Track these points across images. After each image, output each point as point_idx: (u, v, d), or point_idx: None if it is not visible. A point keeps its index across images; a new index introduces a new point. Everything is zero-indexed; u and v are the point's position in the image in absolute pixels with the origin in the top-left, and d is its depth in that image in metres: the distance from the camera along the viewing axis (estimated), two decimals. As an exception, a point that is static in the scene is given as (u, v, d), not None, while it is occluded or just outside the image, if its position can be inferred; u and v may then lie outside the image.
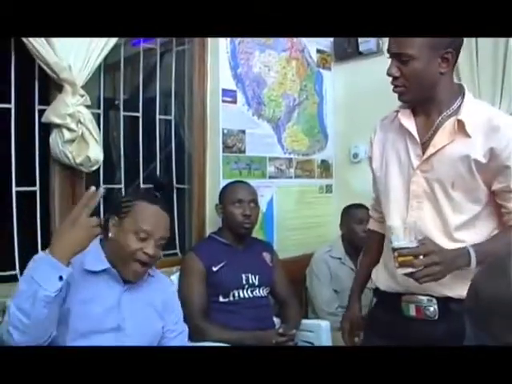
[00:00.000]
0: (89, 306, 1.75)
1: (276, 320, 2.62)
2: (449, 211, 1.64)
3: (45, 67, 2.13)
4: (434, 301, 1.66)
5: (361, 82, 3.47)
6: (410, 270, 1.55)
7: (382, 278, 1.82)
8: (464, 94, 1.67)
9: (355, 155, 3.50)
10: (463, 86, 1.71)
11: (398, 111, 1.76)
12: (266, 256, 2.71)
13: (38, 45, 2.05)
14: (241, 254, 2.61)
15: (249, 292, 2.53)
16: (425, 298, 1.67)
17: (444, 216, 1.64)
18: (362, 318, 1.97)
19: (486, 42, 2.76)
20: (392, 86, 1.70)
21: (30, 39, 2.03)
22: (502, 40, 2.72)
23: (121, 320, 1.80)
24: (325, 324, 2.70)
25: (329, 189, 3.65)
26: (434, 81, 1.63)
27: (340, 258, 3.05)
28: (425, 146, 1.67)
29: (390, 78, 1.69)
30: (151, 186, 2.70)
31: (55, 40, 2.08)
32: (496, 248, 1.58)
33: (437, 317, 1.66)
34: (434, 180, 1.64)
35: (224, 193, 2.68)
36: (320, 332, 2.66)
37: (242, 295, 2.51)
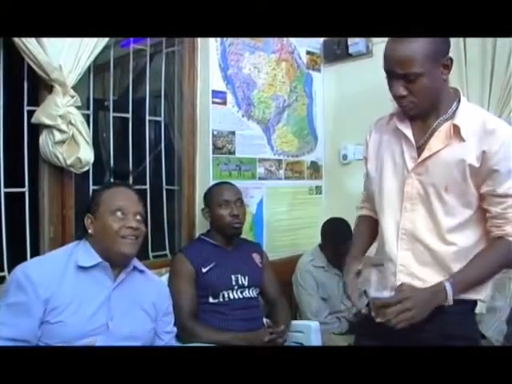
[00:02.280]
0: (80, 304, 1.76)
1: (266, 321, 2.63)
2: (441, 214, 1.65)
3: (35, 67, 2.12)
4: None
5: (350, 84, 3.49)
6: (386, 318, 1.57)
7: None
8: (460, 99, 1.69)
9: (344, 156, 3.51)
10: (459, 90, 1.72)
11: (393, 114, 1.76)
12: (256, 257, 2.71)
13: (30, 45, 2.04)
14: (230, 255, 2.61)
15: (238, 293, 2.53)
16: None
17: (437, 218, 1.66)
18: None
19: (474, 42, 2.78)
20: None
21: (22, 39, 2.02)
22: (490, 40, 2.74)
23: (109, 319, 1.80)
24: (314, 325, 2.71)
25: (318, 190, 3.66)
26: (439, 90, 1.64)
27: (323, 267, 3.06)
28: (420, 149, 1.68)
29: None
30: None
31: (45, 40, 2.07)
32: (474, 277, 1.63)
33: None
34: (428, 183, 1.66)
35: (209, 196, 2.67)
36: (310, 333, 2.66)
37: (231, 296, 2.51)
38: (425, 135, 1.68)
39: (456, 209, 1.64)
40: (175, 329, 2.13)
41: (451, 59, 1.61)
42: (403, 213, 1.70)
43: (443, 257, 1.66)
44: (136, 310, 1.91)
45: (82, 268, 1.81)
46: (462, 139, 1.60)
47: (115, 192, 1.91)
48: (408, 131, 1.70)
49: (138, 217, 1.90)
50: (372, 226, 1.94)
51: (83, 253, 1.85)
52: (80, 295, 1.77)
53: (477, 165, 1.59)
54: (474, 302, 1.71)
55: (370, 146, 1.87)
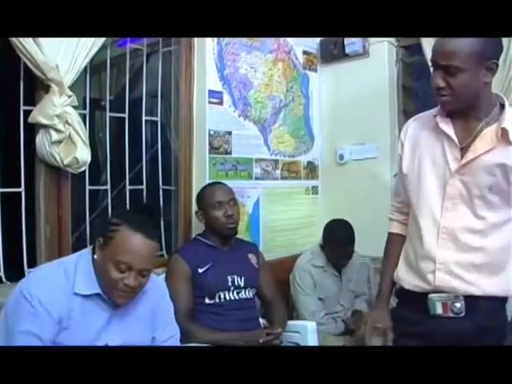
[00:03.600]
0: (77, 329, 1.72)
1: (262, 321, 2.63)
2: (484, 211, 1.68)
3: (32, 67, 2.11)
4: (461, 297, 1.70)
5: (347, 84, 3.49)
6: None
7: (407, 277, 1.84)
8: (501, 103, 1.71)
9: (341, 157, 3.51)
10: (500, 95, 1.76)
11: (435, 115, 1.77)
12: (252, 257, 2.70)
13: (27, 44, 2.03)
14: (226, 255, 2.60)
15: (234, 294, 2.53)
16: (451, 295, 1.71)
17: (479, 217, 1.69)
18: (388, 318, 1.93)
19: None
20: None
21: (20, 38, 2.01)
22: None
23: (110, 340, 1.76)
24: (311, 325, 2.71)
25: (315, 190, 3.66)
26: (478, 91, 1.65)
27: (322, 267, 3.05)
28: (464, 150, 1.70)
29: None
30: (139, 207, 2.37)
31: (42, 40, 2.06)
32: None
33: (463, 313, 1.70)
34: (472, 184, 1.68)
35: (202, 197, 2.66)
36: (306, 333, 2.66)
37: (227, 297, 2.51)
38: (468, 137, 1.70)
39: (499, 206, 1.69)
40: (177, 330, 2.05)
41: (497, 64, 1.63)
42: (444, 212, 1.73)
43: (483, 255, 1.70)
44: (136, 326, 1.86)
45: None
46: (509, 143, 1.63)
47: (130, 239, 1.72)
48: (451, 132, 1.72)
49: (145, 272, 1.76)
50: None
51: (84, 278, 1.75)
52: (81, 318, 1.73)
53: None
54: (505, 298, 1.76)
55: (406, 144, 1.88)
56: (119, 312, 1.82)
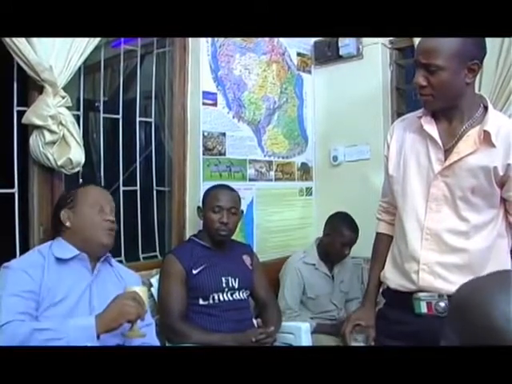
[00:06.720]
0: (60, 297, 1.80)
1: (257, 321, 2.63)
2: (467, 213, 1.70)
3: (25, 67, 2.10)
4: (445, 296, 1.71)
5: (340, 86, 3.50)
6: None
7: (392, 277, 1.86)
8: (485, 105, 1.73)
9: (335, 158, 3.51)
10: (483, 96, 1.78)
11: (420, 116, 1.78)
12: (246, 259, 2.71)
13: (21, 44, 2.02)
14: (221, 256, 2.60)
15: (229, 295, 2.53)
16: (435, 294, 1.72)
17: (462, 219, 1.71)
18: (372, 317, 1.96)
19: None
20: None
21: (13, 39, 2.01)
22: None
23: (92, 310, 1.83)
24: (305, 326, 2.71)
25: (309, 191, 3.66)
26: (460, 91, 1.67)
27: (314, 264, 3.05)
28: (447, 152, 1.72)
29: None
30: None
31: (36, 40, 2.06)
32: None
33: (447, 312, 1.70)
34: (454, 185, 1.70)
35: (205, 197, 2.66)
36: (300, 334, 2.67)
37: (221, 298, 2.51)
38: (452, 138, 1.72)
39: (482, 208, 1.70)
40: (152, 320, 2.08)
41: (478, 65, 1.64)
42: (428, 213, 1.74)
43: (466, 256, 1.71)
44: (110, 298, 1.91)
45: (60, 261, 1.88)
46: (491, 145, 1.64)
47: (92, 189, 2.09)
48: (435, 133, 1.73)
49: (113, 213, 2.07)
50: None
51: (60, 248, 1.93)
52: (61, 289, 1.81)
53: (501, 173, 1.65)
54: None
55: (392, 145, 1.89)
56: (98, 284, 1.93)
